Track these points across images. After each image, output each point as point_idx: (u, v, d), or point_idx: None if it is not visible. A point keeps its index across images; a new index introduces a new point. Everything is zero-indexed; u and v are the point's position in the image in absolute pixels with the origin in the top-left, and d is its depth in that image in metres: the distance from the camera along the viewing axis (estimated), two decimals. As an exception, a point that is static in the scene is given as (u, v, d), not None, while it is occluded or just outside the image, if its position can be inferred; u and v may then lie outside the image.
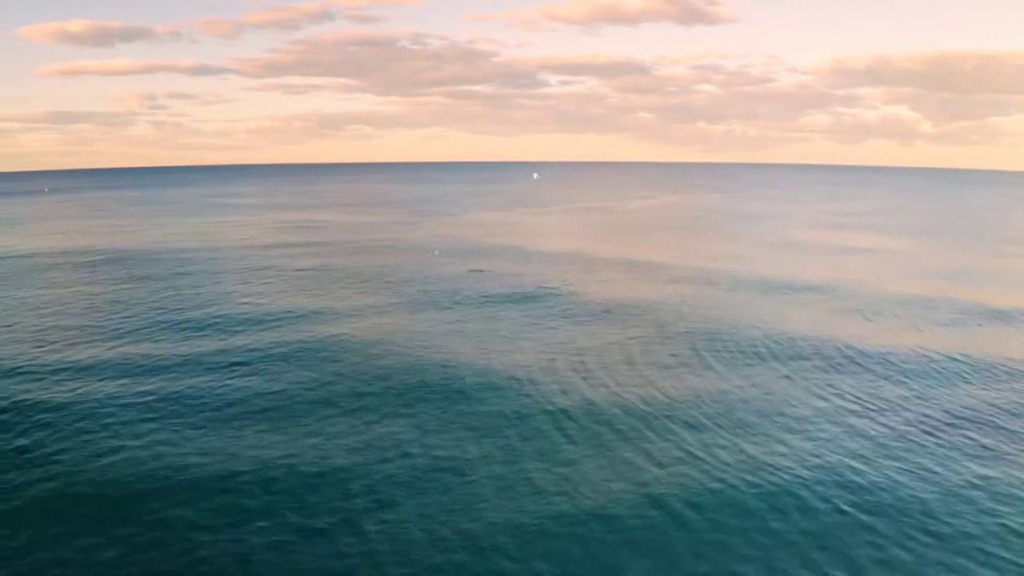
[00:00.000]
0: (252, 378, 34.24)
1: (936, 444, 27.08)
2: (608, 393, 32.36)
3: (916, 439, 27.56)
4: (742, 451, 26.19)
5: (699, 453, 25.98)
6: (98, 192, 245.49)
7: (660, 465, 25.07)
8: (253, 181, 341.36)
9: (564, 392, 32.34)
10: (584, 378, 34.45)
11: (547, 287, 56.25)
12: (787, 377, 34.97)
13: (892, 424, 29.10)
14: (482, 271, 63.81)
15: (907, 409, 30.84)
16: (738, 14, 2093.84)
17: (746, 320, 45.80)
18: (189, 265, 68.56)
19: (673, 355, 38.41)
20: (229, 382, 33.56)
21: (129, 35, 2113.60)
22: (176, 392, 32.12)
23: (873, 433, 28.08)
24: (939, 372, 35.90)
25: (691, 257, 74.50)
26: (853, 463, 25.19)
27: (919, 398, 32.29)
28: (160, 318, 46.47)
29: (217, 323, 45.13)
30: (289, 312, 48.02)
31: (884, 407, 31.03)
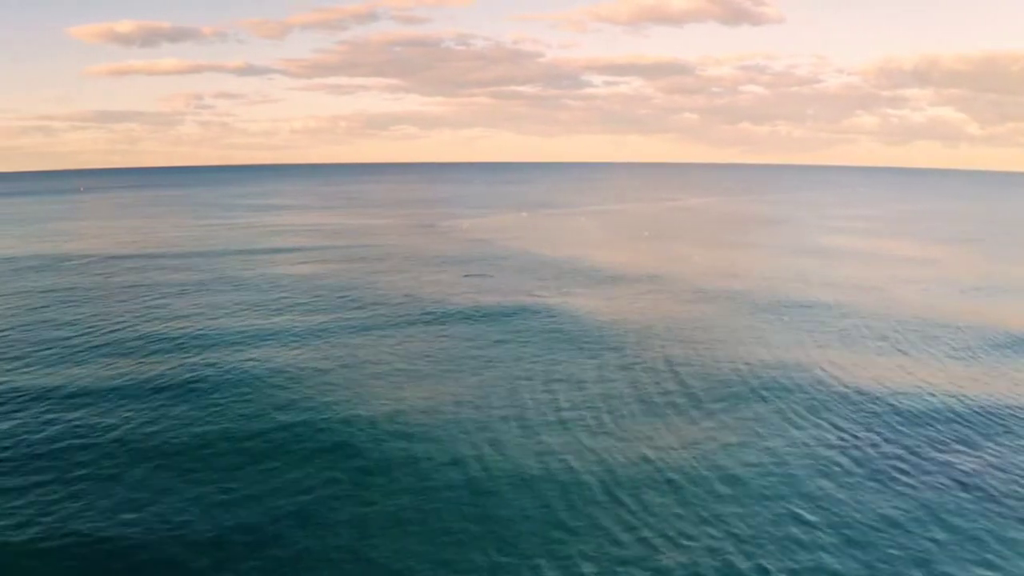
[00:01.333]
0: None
1: None
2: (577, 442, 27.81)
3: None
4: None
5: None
6: (134, 191, 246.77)
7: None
8: (296, 181, 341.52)
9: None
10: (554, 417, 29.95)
11: (528, 301, 51.80)
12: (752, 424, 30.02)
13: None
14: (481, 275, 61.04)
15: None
16: (784, 14, 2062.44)
17: (746, 351, 40.78)
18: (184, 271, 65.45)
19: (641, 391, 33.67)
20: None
21: (176, 35, 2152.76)
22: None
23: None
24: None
25: (697, 267, 69.32)
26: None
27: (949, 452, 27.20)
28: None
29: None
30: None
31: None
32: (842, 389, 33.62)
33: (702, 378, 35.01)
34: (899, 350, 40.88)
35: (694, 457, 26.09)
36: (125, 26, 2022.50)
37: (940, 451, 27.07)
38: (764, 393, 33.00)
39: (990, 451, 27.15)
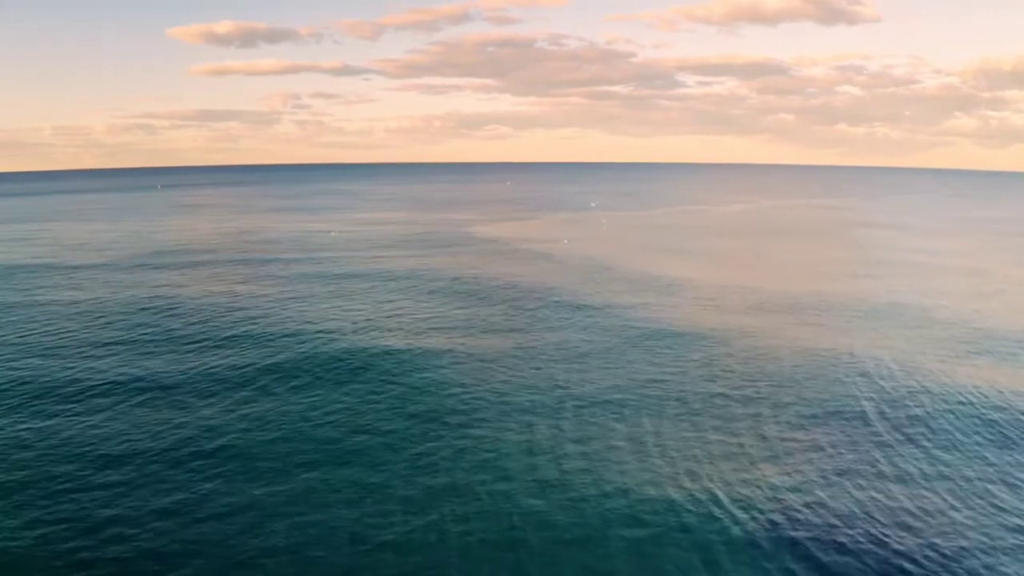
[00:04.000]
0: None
1: None
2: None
3: None
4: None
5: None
6: (229, 188, 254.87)
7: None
8: (394, 179, 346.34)
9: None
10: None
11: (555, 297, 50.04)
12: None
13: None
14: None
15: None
16: (881, 13, 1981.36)
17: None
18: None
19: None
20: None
21: (274, 36, 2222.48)
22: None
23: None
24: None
25: (757, 274, 66.13)
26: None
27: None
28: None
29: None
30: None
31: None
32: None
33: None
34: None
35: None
36: (224, 27, 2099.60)
37: None
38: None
39: None
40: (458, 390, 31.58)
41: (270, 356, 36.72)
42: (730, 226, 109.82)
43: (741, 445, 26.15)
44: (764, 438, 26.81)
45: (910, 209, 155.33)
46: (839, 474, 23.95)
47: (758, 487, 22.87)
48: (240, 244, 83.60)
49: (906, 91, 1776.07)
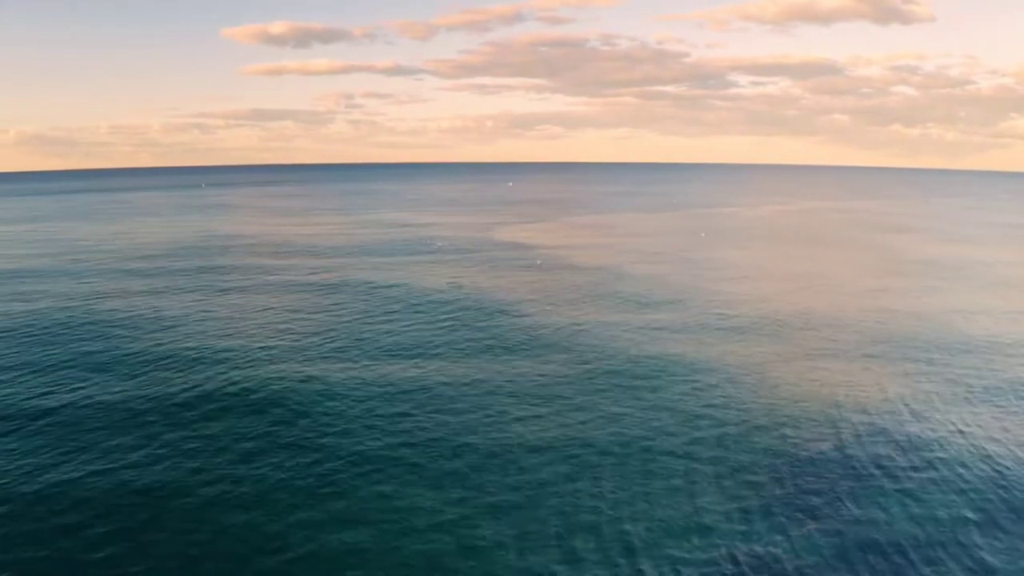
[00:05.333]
0: None
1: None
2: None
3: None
4: None
5: None
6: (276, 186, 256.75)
7: None
8: (447, 179, 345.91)
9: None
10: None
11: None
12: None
13: None
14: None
15: None
16: (935, 12, 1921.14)
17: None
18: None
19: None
20: None
21: (327, 36, 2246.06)
22: None
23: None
24: None
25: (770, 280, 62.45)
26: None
27: None
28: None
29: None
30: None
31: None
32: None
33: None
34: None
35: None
36: (278, 27, 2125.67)
37: None
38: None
39: None
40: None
41: (173, 386, 34.81)
42: (751, 230, 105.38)
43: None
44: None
45: (956, 213, 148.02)
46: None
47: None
48: (199, 248, 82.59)
49: (961, 92, 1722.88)
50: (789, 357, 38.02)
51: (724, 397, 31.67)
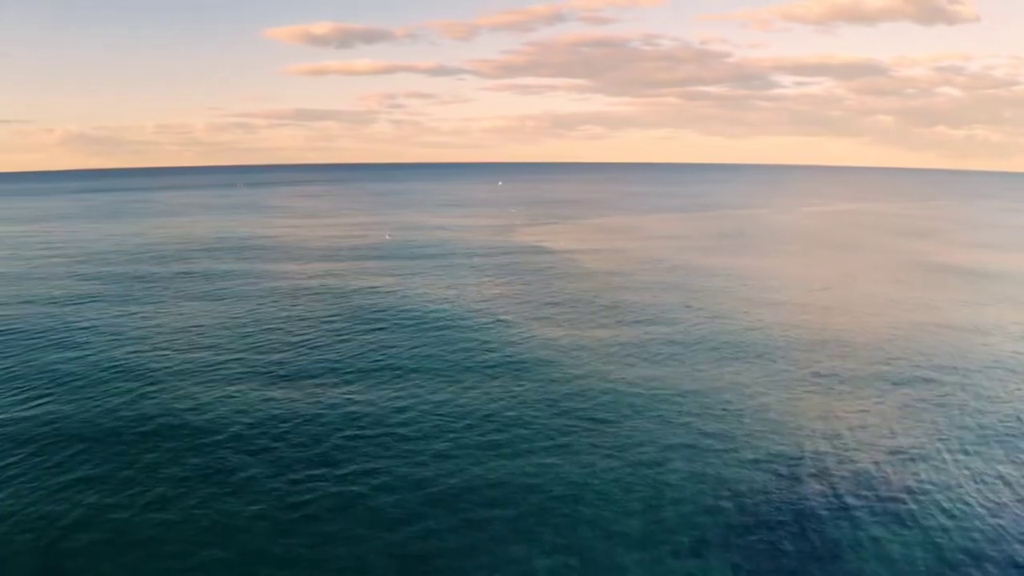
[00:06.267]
0: None
1: None
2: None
3: None
4: None
5: None
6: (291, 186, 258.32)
7: None
8: (484, 178, 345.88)
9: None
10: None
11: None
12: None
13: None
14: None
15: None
16: (980, 12, 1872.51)
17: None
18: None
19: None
20: None
21: (370, 37, 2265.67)
22: None
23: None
24: None
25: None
26: None
27: None
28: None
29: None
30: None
31: None
32: None
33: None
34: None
35: None
36: (321, 28, 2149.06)
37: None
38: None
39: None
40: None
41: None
42: (771, 235, 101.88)
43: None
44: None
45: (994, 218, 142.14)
46: None
47: None
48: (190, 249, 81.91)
49: (1007, 92, 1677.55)
50: (785, 383, 35.28)
51: (699, 431, 29.42)
